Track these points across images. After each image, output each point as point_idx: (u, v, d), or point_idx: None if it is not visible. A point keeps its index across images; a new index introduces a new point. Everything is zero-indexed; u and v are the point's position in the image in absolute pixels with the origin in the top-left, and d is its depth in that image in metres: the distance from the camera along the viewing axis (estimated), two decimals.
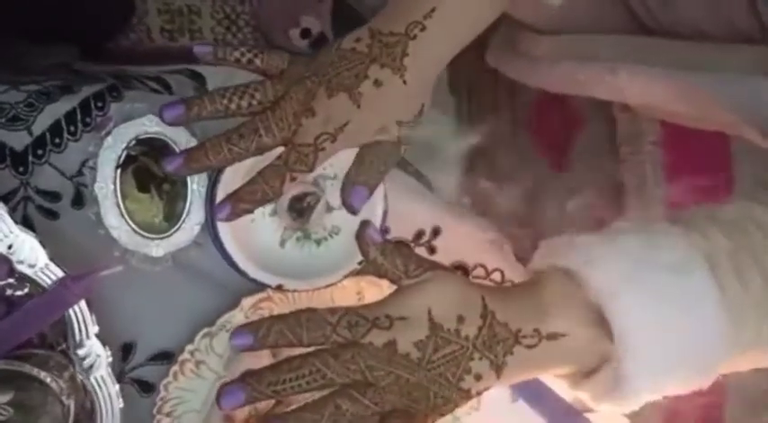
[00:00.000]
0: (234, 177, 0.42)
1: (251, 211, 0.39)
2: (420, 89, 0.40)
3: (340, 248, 0.46)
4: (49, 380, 0.41)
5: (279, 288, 0.45)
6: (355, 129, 0.38)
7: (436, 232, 0.55)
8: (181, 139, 0.44)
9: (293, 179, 0.38)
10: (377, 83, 0.38)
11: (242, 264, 0.44)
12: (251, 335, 0.34)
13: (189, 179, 0.47)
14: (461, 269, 0.56)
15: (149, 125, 0.44)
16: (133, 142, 0.44)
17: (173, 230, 0.46)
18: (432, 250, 0.55)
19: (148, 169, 0.45)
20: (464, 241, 0.55)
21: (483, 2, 0.40)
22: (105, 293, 0.45)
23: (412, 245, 0.54)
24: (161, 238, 0.46)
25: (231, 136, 0.38)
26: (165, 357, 0.47)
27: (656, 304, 0.33)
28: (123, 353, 0.46)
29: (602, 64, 0.48)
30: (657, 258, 0.34)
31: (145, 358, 0.47)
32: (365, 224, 0.38)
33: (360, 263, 0.47)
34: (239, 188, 0.39)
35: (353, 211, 0.39)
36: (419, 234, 0.54)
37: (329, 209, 0.47)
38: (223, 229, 0.45)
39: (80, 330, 0.44)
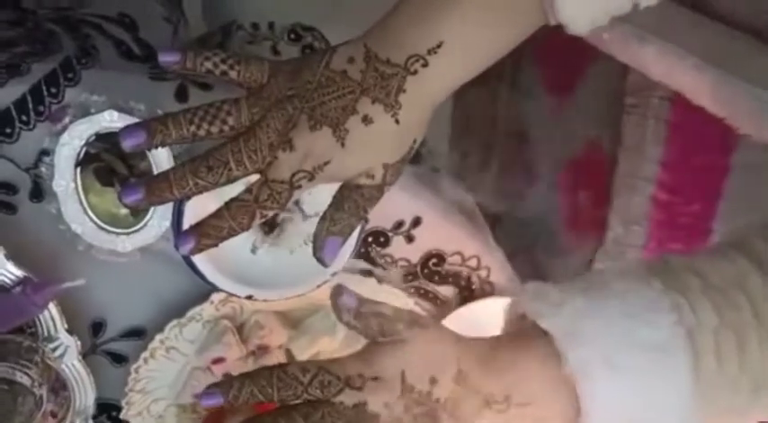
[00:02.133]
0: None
1: (216, 246, 0.33)
2: (413, 128, 0.32)
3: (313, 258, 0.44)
4: (19, 376, 0.41)
5: (249, 298, 0.42)
6: (336, 169, 0.32)
7: (416, 222, 0.51)
8: None
9: (263, 217, 0.32)
10: (366, 120, 0.31)
11: (209, 274, 0.40)
12: (221, 395, 0.30)
13: (154, 171, 0.42)
14: (438, 257, 0.54)
15: (110, 120, 0.38)
16: (92, 138, 0.39)
17: (140, 226, 0.41)
18: (410, 239, 0.52)
19: (110, 168, 0.41)
20: (443, 230, 0.52)
21: (500, 32, 0.32)
22: (72, 277, 0.43)
23: (390, 234, 0.52)
24: (127, 234, 0.41)
25: (198, 168, 0.32)
26: (137, 334, 0.44)
27: (630, 390, 0.32)
28: (93, 330, 0.44)
29: (632, 29, 0.42)
30: (640, 337, 0.32)
31: (116, 334, 0.44)
32: (339, 289, 0.33)
33: (333, 274, 0.45)
34: (204, 222, 0.33)
35: (324, 265, 0.34)
36: (399, 224, 0.51)
37: (304, 217, 0.42)
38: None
39: (49, 328, 0.42)
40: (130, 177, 0.41)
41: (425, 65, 0.32)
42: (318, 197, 0.38)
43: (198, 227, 0.33)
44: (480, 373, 0.33)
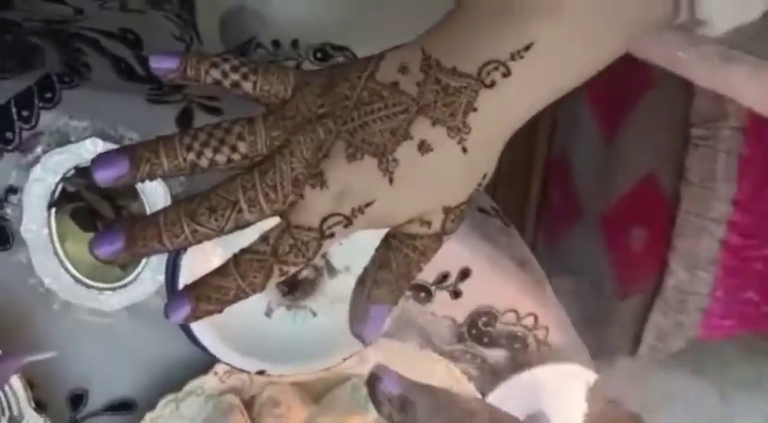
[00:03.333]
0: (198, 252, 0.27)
1: (219, 312, 0.25)
2: (483, 159, 0.24)
3: (343, 322, 0.35)
4: None
5: (261, 373, 0.33)
6: (382, 212, 0.24)
7: (464, 274, 0.43)
8: None
9: (283, 274, 0.24)
10: (423, 147, 0.23)
11: (211, 344, 0.31)
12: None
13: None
14: (488, 315, 0.46)
15: (93, 150, 0.30)
16: (71, 172, 0.30)
17: (128, 280, 0.33)
18: (456, 294, 0.44)
19: (93, 209, 0.33)
20: (495, 283, 0.44)
21: (608, 33, 0.24)
22: (45, 341, 0.35)
23: (432, 288, 0.43)
24: (113, 289, 0.33)
25: (197, 209, 0.23)
26: (125, 407, 0.36)
27: None
28: (72, 403, 0.35)
29: (716, 46, 0.37)
30: None
31: (100, 407, 0.36)
32: (377, 373, 0.25)
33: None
34: (204, 281, 0.24)
35: (365, 343, 0.25)
36: (443, 276, 0.42)
37: (332, 272, 0.34)
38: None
39: (12, 406, 0.35)
40: (119, 214, 0.33)
41: (506, 74, 0.23)
42: (351, 247, 0.29)
43: (195, 288, 0.25)
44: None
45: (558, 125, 0.68)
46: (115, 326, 0.34)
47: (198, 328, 0.32)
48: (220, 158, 0.23)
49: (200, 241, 0.24)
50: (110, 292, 0.33)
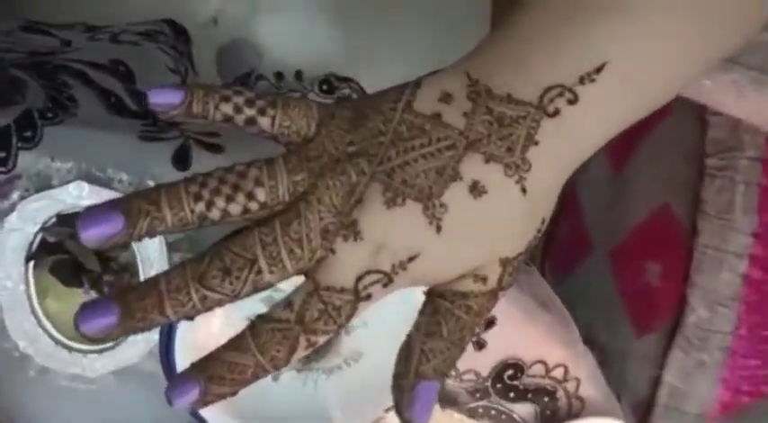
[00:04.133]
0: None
1: (233, 394, 0.21)
2: (543, 201, 0.21)
3: (360, 384, 0.30)
4: None
5: None
6: (428, 268, 0.20)
7: (489, 323, 0.40)
8: None
9: (311, 346, 0.20)
10: (476, 189, 0.20)
11: (212, 416, 0.27)
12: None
13: (140, 266, 0.31)
14: (515, 368, 0.42)
15: (77, 195, 0.26)
16: (52, 221, 0.27)
17: (117, 340, 0.29)
18: (480, 346, 0.40)
19: (77, 262, 0.29)
20: (522, 333, 0.40)
21: (697, 43, 0.21)
22: (18, 414, 0.31)
23: None
24: (99, 352, 0.29)
25: (208, 271, 0.20)
26: None
27: None
28: None
29: (746, 72, 0.35)
30: None
31: None
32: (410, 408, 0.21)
33: (387, 410, 0.32)
34: (215, 357, 0.20)
35: None
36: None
37: (347, 328, 0.33)
38: (182, 358, 0.29)
39: None
40: (103, 275, 0.29)
41: (573, 101, 0.20)
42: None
43: (205, 366, 0.20)
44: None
45: None
46: (100, 393, 0.30)
47: None
48: (235, 209, 0.20)
49: (209, 309, 0.20)
50: (95, 355, 0.29)
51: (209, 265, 0.19)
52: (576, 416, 0.41)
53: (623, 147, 0.60)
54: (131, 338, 0.30)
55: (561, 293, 0.66)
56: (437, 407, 0.37)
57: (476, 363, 0.39)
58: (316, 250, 0.20)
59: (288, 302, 0.20)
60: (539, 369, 0.41)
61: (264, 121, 0.20)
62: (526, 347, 0.40)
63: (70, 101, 0.33)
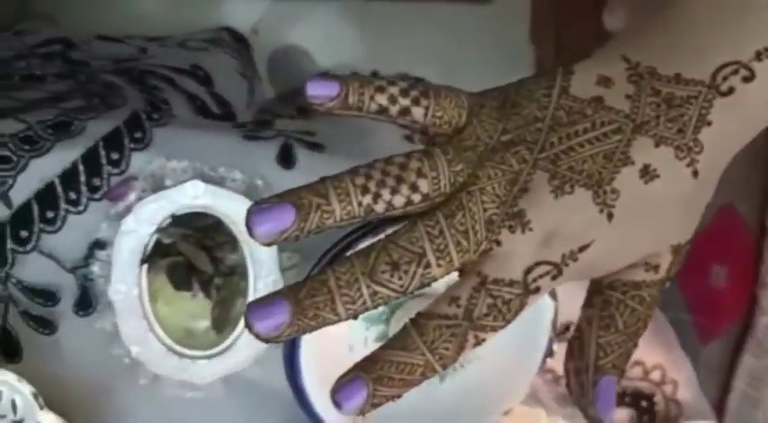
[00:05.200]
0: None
1: (398, 397, 0.20)
2: (712, 182, 0.21)
3: (476, 386, 0.29)
4: None
5: None
6: (600, 257, 0.20)
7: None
8: (242, 215, 0.27)
9: (478, 343, 0.20)
10: (648, 173, 0.19)
11: (326, 412, 0.26)
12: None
13: (251, 269, 0.30)
14: None
15: (193, 195, 0.26)
16: (167, 222, 0.27)
17: (224, 346, 0.28)
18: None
19: (189, 265, 0.28)
20: None
21: None
22: (131, 419, 0.30)
23: (554, 339, 0.39)
24: (207, 358, 0.28)
25: (376, 267, 0.19)
26: None
27: None
28: None
29: None
30: None
31: None
32: None
33: (506, 413, 0.32)
34: (380, 356, 0.20)
35: None
36: (566, 327, 0.39)
37: None
38: (305, 356, 0.28)
39: None
40: (214, 277, 0.29)
41: (749, 78, 0.19)
42: None
43: (369, 367, 0.19)
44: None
45: None
46: (207, 401, 0.29)
47: (314, 391, 0.27)
48: (399, 201, 0.19)
49: (377, 306, 0.19)
50: (204, 361, 0.29)
51: (377, 260, 0.19)
52: (674, 420, 0.40)
53: None
54: (239, 343, 0.29)
55: None
56: (543, 412, 0.36)
57: None
58: (481, 242, 0.19)
59: (452, 298, 0.19)
60: (637, 371, 0.40)
61: (418, 112, 0.20)
62: None
63: (164, 104, 0.33)
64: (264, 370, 0.29)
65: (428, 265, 0.19)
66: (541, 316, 0.29)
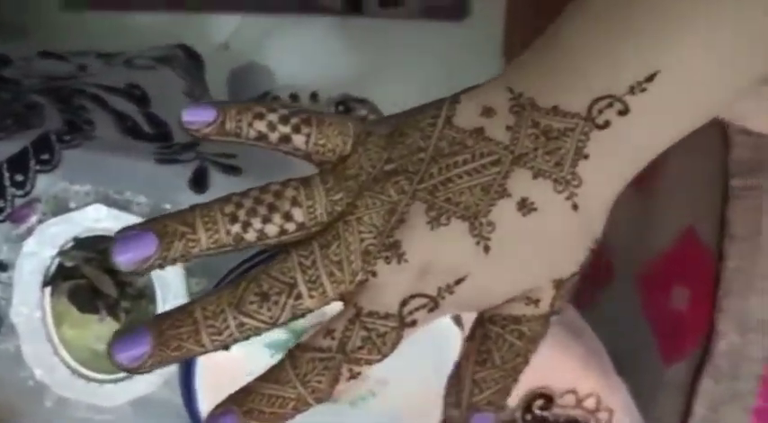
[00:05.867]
0: None
1: None
2: (596, 218, 0.20)
3: (388, 415, 0.29)
4: None
5: None
6: (476, 291, 0.20)
7: None
8: None
9: (353, 377, 0.20)
10: (525, 206, 0.20)
11: None
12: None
13: (159, 293, 0.31)
14: (545, 398, 0.41)
15: (95, 218, 0.26)
16: (69, 245, 0.27)
17: None
18: None
19: (93, 288, 0.29)
20: (552, 361, 0.39)
21: (750, 53, 0.20)
22: None
23: None
24: (115, 381, 0.28)
25: (245, 297, 0.19)
26: None
27: None
28: None
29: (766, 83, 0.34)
30: None
31: None
32: None
33: None
34: (252, 388, 0.20)
35: None
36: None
37: None
38: (202, 382, 0.28)
39: None
40: (120, 301, 0.29)
41: (624, 112, 0.19)
42: None
43: (242, 399, 0.19)
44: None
45: None
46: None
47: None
48: (271, 230, 0.19)
49: (246, 338, 0.19)
50: (111, 385, 0.29)
51: (246, 291, 0.19)
52: None
53: (645, 170, 0.59)
54: None
55: (587, 322, 0.65)
56: None
57: None
58: (357, 273, 0.19)
59: (328, 330, 0.19)
60: (570, 399, 0.40)
61: (299, 139, 0.20)
62: (556, 376, 0.39)
63: (87, 124, 0.34)
64: (174, 392, 0.29)
65: (299, 296, 0.19)
66: (448, 343, 0.29)
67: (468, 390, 0.20)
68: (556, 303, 0.20)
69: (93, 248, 0.27)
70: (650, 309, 0.58)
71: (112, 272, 0.28)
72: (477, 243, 0.19)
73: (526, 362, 0.20)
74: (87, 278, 0.27)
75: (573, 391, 0.39)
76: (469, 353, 0.20)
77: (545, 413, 0.39)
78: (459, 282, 0.19)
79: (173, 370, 0.29)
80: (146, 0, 0.53)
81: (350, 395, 0.29)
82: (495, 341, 0.20)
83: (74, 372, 0.28)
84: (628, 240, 0.60)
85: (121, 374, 0.29)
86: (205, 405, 0.27)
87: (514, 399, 0.39)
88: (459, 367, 0.20)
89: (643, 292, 0.59)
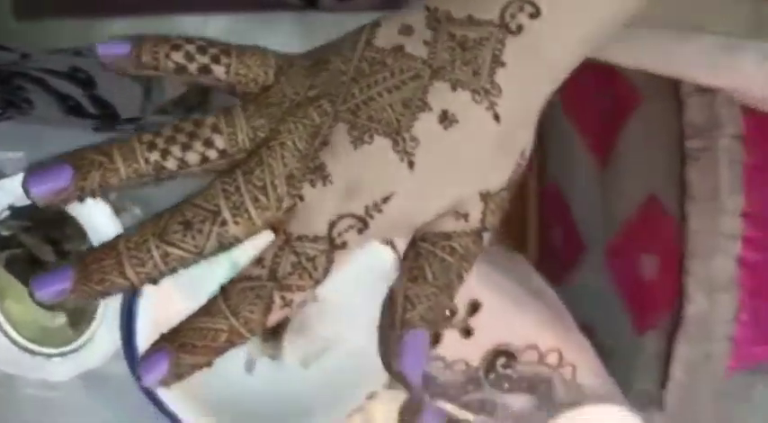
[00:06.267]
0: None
1: (208, 366, 0.19)
2: (520, 128, 0.20)
3: (339, 371, 0.29)
4: None
5: None
6: (404, 208, 0.20)
7: (474, 308, 0.39)
8: (90, 207, 0.28)
9: (287, 305, 0.19)
10: (446, 119, 0.19)
11: (184, 412, 0.26)
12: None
13: None
14: (507, 355, 0.41)
15: None
16: (5, 214, 0.27)
17: (81, 342, 0.28)
18: (467, 333, 0.40)
19: (32, 257, 0.29)
20: (510, 316, 0.39)
21: None
22: None
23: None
24: (62, 355, 0.28)
25: (168, 227, 0.19)
26: None
27: None
28: None
29: (715, 39, 0.35)
30: None
31: None
32: (414, 408, 0.21)
33: (369, 396, 0.31)
34: (184, 325, 0.19)
35: (408, 385, 0.20)
36: (450, 312, 0.39)
37: (321, 310, 0.32)
38: (144, 341, 0.28)
39: None
40: None
41: (535, 14, 0.19)
42: (342, 274, 0.25)
43: (174, 336, 0.19)
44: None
45: (547, 159, 0.66)
46: (65, 399, 0.29)
47: (166, 392, 0.27)
48: (192, 158, 0.19)
49: (173, 270, 0.19)
50: (59, 359, 0.28)
51: (169, 221, 0.18)
52: (576, 404, 0.40)
53: (604, 142, 0.60)
54: (96, 338, 0.29)
55: (561, 298, 0.65)
56: (428, 399, 0.36)
57: (465, 351, 0.38)
58: (282, 198, 0.19)
59: (258, 259, 0.19)
60: (531, 355, 0.40)
61: (219, 70, 0.20)
62: (516, 333, 0.39)
63: (26, 103, 0.33)
64: (124, 365, 0.29)
65: (224, 223, 0.18)
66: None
67: (401, 307, 0.20)
68: (486, 219, 0.20)
69: (31, 217, 0.27)
70: (621, 279, 0.59)
71: (52, 240, 0.27)
72: (402, 159, 0.19)
73: (460, 279, 0.20)
74: (25, 247, 0.27)
75: (534, 347, 0.39)
76: (403, 272, 0.20)
77: (508, 371, 0.39)
78: (386, 199, 0.19)
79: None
80: (107, 5, 0.53)
81: (300, 355, 0.29)
82: (426, 258, 0.20)
83: (20, 347, 0.28)
84: (594, 214, 0.60)
85: (70, 348, 0.29)
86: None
87: (476, 358, 0.39)
88: (392, 289, 0.20)
89: (613, 263, 0.59)
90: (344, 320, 0.29)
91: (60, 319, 0.29)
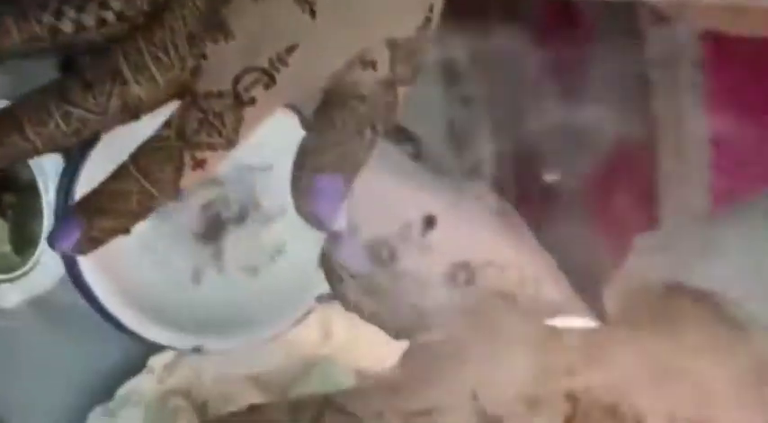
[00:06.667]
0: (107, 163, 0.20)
1: (125, 231, 0.20)
2: None
3: (286, 278, 0.29)
4: None
5: (197, 351, 0.28)
6: (309, 59, 0.20)
7: (429, 223, 0.39)
8: None
9: (198, 165, 0.20)
10: None
11: (128, 320, 0.26)
12: None
13: (41, 186, 0.30)
14: (466, 270, 0.41)
15: None
16: None
17: (27, 267, 0.28)
18: (424, 249, 0.40)
19: None
20: (467, 231, 0.40)
21: None
22: None
23: (394, 243, 0.39)
24: (10, 280, 0.28)
25: (69, 89, 0.19)
26: None
27: None
28: None
29: None
30: None
31: None
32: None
33: (318, 298, 0.32)
34: (95, 190, 0.20)
35: (322, 228, 0.21)
36: (405, 227, 0.39)
37: (264, 218, 0.29)
38: (89, 261, 0.26)
39: None
40: (3, 195, 0.28)
41: None
42: (284, 182, 0.25)
43: (86, 202, 0.20)
44: None
45: None
46: (15, 330, 0.29)
47: (110, 302, 0.27)
48: (88, 20, 0.19)
49: (77, 132, 0.19)
50: (6, 285, 0.28)
51: (70, 81, 0.19)
52: (545, 315, 0.40)
53: (569, 78, 0.60)
54: (43, 261, 0.29)
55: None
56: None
57: (422, 269, 0.39)
58: (185, 58, 0.19)
59: (167, 121, 0.19)
60: (491, 271, 0.40)
61: None
62: (474, 249, 0.39)
63: None
64: (73, 293, 0.29)
65: (125, 82, 0.19)
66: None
67: (310, 154, 0.20)
68: (396, 68, 0.20)
69: None
70: (597, 221, 0.59)
71: None
72: (303, 10, 0.19)
73: (374, 128, 0.20)
74: None
75: (492, 263, 0.39)
76: (313, 122, 0.20)
77: (470, 287, 0.40)
78: (290, 50, 0.19)
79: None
80: None
81: (245, 262, 0.29)
82: (335, 106, 0.20)
83: None
84: (567, 156, 0.60)
85: (16, 273, 0.29)
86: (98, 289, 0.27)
87: (436, 273, 0.39)
88: (303, 138, 0.21)
89: (588, 207, 0.60)
90: (289, 229, 0.29)
91: (5, 248, 0.29)
